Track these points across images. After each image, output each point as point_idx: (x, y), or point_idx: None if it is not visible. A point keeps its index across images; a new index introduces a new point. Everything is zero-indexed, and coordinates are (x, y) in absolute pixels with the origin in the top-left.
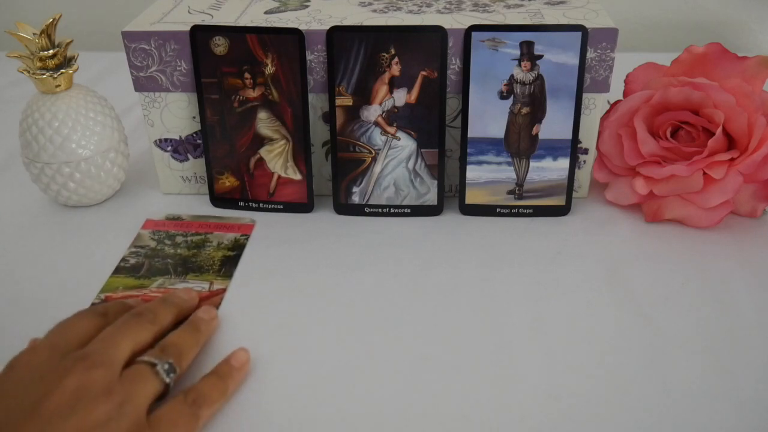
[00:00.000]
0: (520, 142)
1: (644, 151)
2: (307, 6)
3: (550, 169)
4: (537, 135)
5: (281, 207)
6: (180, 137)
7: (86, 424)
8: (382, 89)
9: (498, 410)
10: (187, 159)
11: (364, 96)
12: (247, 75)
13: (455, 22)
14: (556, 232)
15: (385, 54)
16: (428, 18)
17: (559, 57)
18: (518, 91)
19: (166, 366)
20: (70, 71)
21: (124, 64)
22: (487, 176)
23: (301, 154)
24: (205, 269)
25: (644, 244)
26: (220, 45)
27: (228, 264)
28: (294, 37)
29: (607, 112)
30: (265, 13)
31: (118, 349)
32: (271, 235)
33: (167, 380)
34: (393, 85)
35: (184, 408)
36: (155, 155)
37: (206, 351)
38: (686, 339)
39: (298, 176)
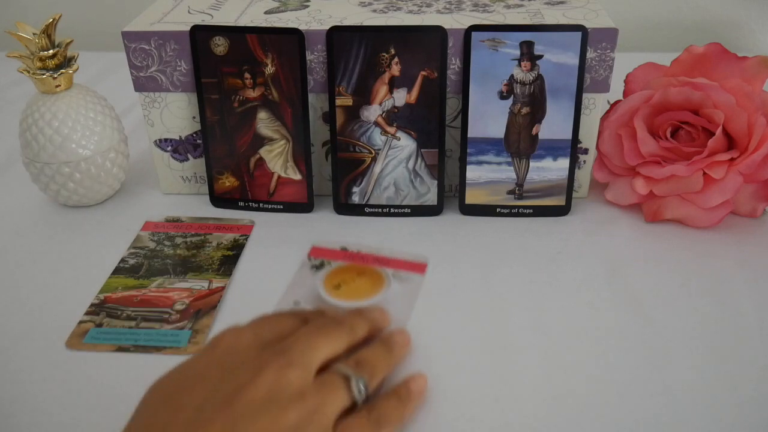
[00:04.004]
0: (520, 142)
1: (644, 151)
2: (307, 6)
3: (550, 169)
4: (537, 135)
5: (281, 207)
6: (180, 137)
7: (276, 428)
8: (382, 89)
9: (498, 410)
10: (187, 159)
11: (364, 96)
12: (247, 75)
13: (455, 22)
14: (556, 232)
15: (385, 54)
16: (428, 18)
17: (559, 57)
18: (518, 91)
19: (361, 384)
20: (70, 71)
21: (124, 64)
22: (487, 176)
23: (301, 154)
24: (204, 268)
25: (644, 244)
26: (220, 45)
27: (227, 263)
28: (294, 37)
29: (607, 112)
30: (265, 13)
31: (315, 352)
32: (270, 235)
33: (358, 398)
34: (393, 85)
35: (367, 426)
36: (155, 155)
37: None
38: (686, 339)
39: (298, 176)
